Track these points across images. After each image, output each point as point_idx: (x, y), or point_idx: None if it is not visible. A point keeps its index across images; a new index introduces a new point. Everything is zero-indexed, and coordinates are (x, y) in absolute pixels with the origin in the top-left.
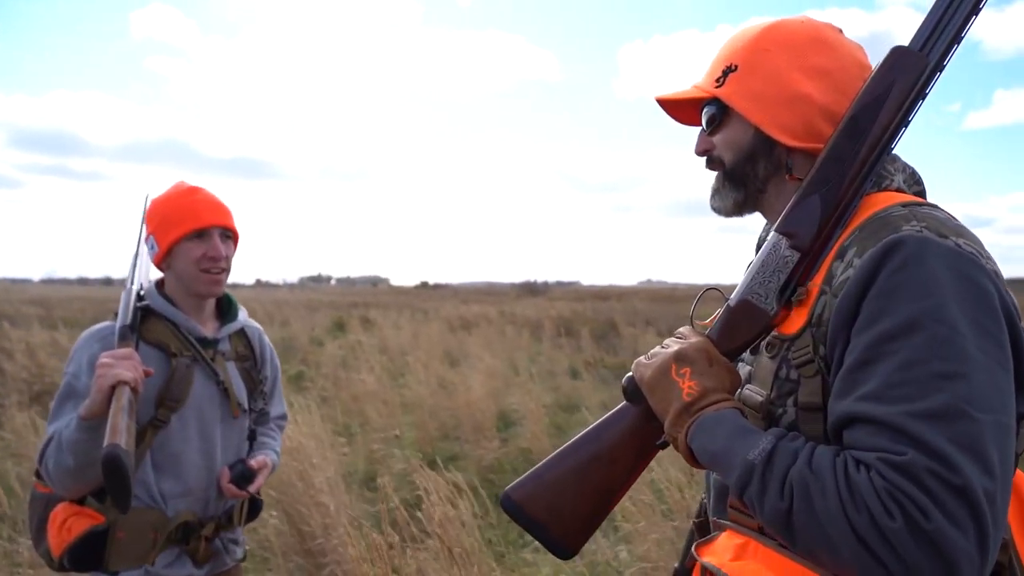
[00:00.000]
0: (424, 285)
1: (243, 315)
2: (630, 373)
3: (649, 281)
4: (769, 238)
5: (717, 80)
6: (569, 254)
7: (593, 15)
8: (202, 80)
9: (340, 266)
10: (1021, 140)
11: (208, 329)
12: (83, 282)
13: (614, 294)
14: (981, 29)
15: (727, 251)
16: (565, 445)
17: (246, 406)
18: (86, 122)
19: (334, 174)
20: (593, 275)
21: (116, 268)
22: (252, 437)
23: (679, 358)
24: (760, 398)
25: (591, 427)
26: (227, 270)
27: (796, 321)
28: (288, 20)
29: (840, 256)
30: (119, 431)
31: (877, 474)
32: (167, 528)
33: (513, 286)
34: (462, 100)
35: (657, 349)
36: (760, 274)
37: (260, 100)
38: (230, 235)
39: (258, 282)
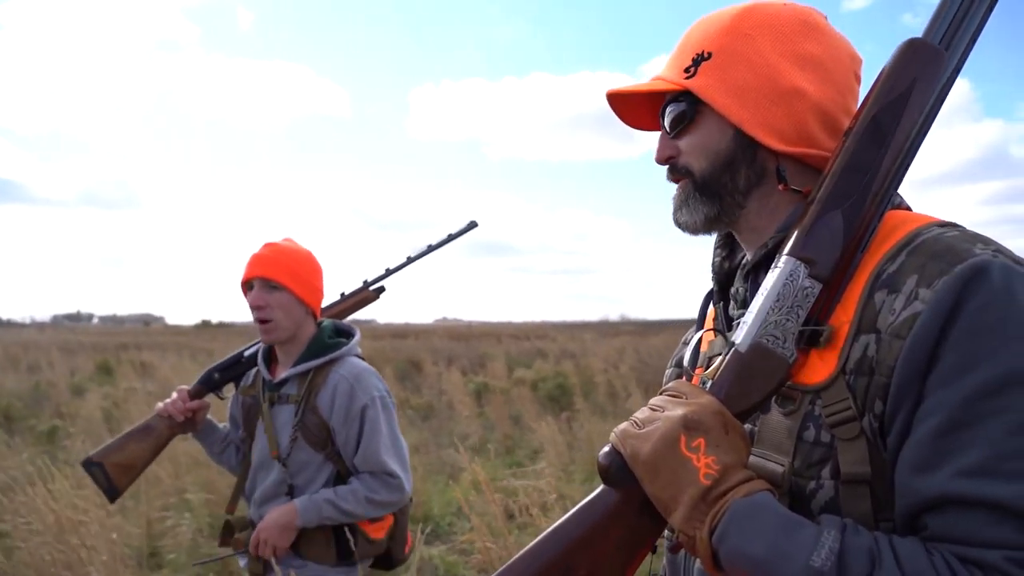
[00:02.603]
0: (206, 324)
1: (326, 358)
2: (607, 447)
3: (445, 319)
4: (782, 265)
5: (687, 70)
6: None
7: (384, 55)
8: None
9: (104, 303)
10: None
11: (281, 372)
12: None
13: (412, 332)
14: None
15: (517, 290)
16: (514, 559)
17: (282, 452)
18: None
19: (97, 200)
20: (389, 313)
21: None
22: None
23: (690, 426)
24: (780, 468)
25: (551, 529)
26: (272, 319)
27: (820, 368)
28: (46, 31)
29: (888, 285)
30: (108, 448)
31: None
32: (238, 519)
33: None
34: (248, 130)
35: (647, 412)
36: (775, 311)
37: (4, 115)
38: (274, 285)
39: None
